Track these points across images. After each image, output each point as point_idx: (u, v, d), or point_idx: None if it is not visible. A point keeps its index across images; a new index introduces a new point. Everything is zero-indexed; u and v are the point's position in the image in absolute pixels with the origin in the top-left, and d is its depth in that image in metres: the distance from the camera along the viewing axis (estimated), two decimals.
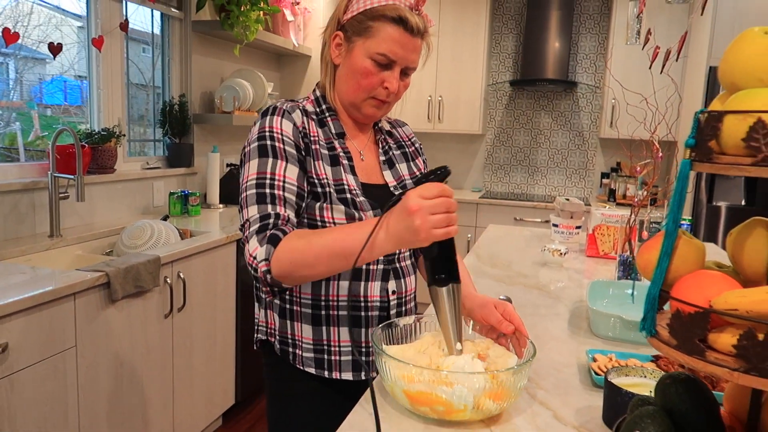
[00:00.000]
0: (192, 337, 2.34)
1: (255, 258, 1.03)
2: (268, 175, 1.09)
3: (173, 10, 3.09)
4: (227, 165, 3.48)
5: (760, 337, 0.59)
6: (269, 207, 1.06)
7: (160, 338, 2.14)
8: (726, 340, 0.62)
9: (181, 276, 2.22)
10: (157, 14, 3.06)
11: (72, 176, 2.23)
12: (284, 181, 1.09)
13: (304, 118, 1.18)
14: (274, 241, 1.02)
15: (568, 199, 2.68)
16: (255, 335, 1.29)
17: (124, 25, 2.69)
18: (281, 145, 1.12)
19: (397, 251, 1.22)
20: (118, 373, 1.94)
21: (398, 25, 1.12)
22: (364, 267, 1.19)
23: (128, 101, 2.90)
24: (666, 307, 0.75)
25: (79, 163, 2.14)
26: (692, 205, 3.56)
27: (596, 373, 1.11)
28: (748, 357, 0.59)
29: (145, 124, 3.11)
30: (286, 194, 1.09)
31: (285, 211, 1.07)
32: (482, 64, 4.36)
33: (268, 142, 1.12)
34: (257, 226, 1.05)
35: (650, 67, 1.69)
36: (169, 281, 2.15)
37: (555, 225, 2.57)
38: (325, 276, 1.03)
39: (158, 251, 2.16)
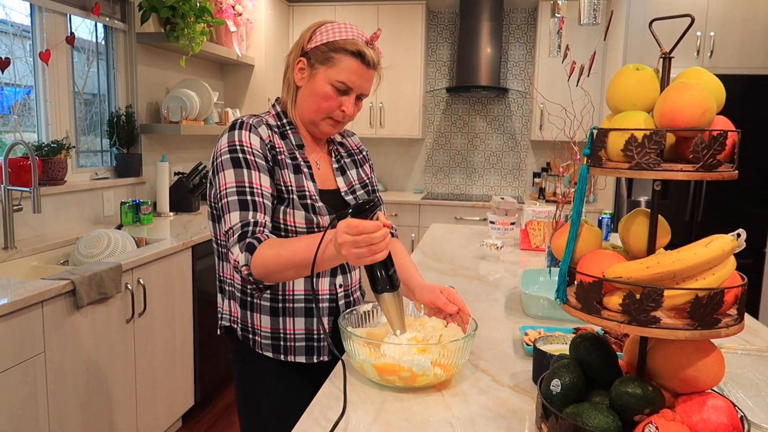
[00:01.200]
0: (153, 340, 2.42)
1: (238, 263, 1.19)
2: (247, 184, 1.23)
3: (117, 22, 3.14)
4: (175, 173, 3.53)
5: (638, 296, 0.79)
6: (250, 214, 1.21)
7: (123, 342, 2.22)
8: (615, 300, 0.82)
9: (141, 282, 2.30)
10: (100, 25, 3.09)
11: (25, 188, 2.27)
12: (261, 189, 1.25)
13: (269, 131, 1.32)
14: (251, 249, 1.18)
15: (503, 198, 2.92)
16: (219, 322, 1.43)
17: (71, 39, 2.73)
18: (252, 157, 1.26)
19: None
20: (85, 377, 2.01)
21: (356, 58, 1.29)
22: None
23: (75, 112, 2.92)
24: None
25: (34, 176, 2.19)
26: (614, 200, 3.91)
27: (527, 344, 1.32)
28: (630, 312, 0.80)
29: (81, 132, 3.13)
30: (264, 200, 1.24)
31: (264, 217, 1.22)
32: (420, 72, 4.58)
33: (240, 155, 1.26)
34: (239, 233, 1.20)
35: (568, 81, 1.93)
36: (130, 287, 2.22)
37: (492, 222, 2.80)
38: (295, 278, 1.19)
39: (116, 259, 2.23)
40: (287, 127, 1.37)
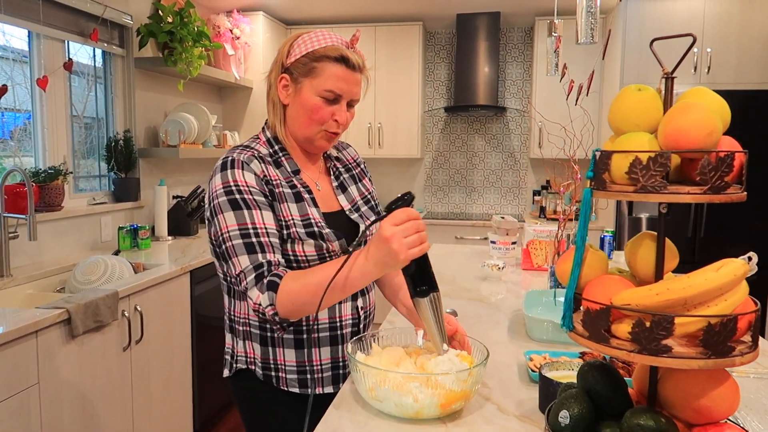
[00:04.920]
0: (150, 368, 2.38)
1: (260, 305, 1.13)
2: (250, 226, 1.18)
3: (115, 47, 3.14)
4: (174, 197, 3.52)
5: (647, 324, 0.76)
6: (260, 256, 1.16)
7: (120, 371, 2.17)
8: (623, 328, 0.79)
9: (138, 309, 2.26)
10: (98, 50, 3.10)
11: (21, 216, 2.24)
12: (266, 228, 1.19)
13: (262, 165, 1.26)
14: (273, 287, 1.13)
15: (503, 218, 2.90)
16: (233, 365, 1.35)
17: (69, 65, 2.73)
18: (250, 196, 1.20)
19: None
20: (80, 407, 1.96)
21: (340, 64, 1.25)
22: None
23: (73, 137, 2.92)
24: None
25: (30, 203, 2.16)
26: (615, 218, 3.88)
27: (532, 370, 1.28)
28: (640, 340, 0.77)
29: (79, 156, 3.12)
30: (271, 239, 1.19)
31: (274, 256, 1.17)
32: (418, 92, 4.59)
33: (237, 196, 1.20)
34: (253, 276, 1.15)
35: (567, 99, 1.92)
36: (126, 314, 2.19)
37: (493, 242, 2.77)
38: (325, 307, 1.16)
39: (113, 285, 2.20)
40: (280, 154, 1.32)
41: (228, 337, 1.38)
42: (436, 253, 2.92)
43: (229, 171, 1.22)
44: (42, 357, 1.78)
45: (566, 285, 0.90)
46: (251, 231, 1.18)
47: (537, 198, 4.66)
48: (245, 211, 1.19)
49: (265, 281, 1.14)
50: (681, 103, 0.79)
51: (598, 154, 0.84)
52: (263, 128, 1.37)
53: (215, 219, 1.22)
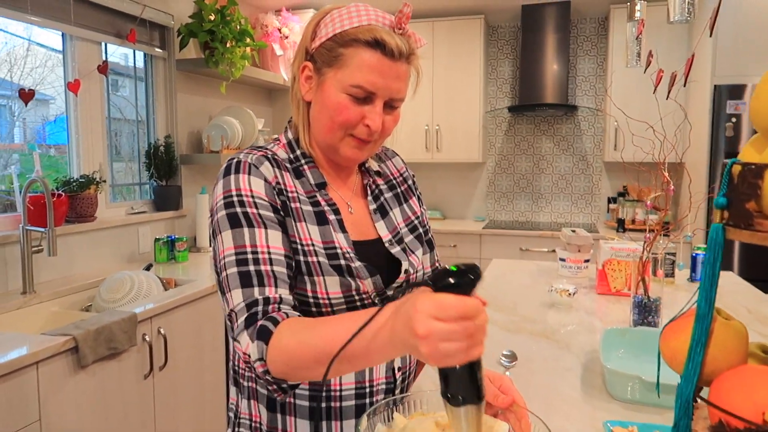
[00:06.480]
0: (177, 397, 2.18)
1: (249, 357, 0.85)
2: (249, 249, 0.92)
3: (156, 49, 3.00)
4: None
5: None
6: (256, 290, 0.89)
7: (140, 401, 1.98)
8: None
9: (162, 332, 2.06)
10: (139, 53, 2.97)
11: (41, 229, 2.10)
12: (269, 252, 0.92)
13: (276, 170, 1.00)
14: (265, 337, 0.84)
15: (574, 231, 2.53)
16: (235, 428, 1.09)
17: (103, 68, 2.59)
18: (254, 210, 0.94)
19: None
20: None
21: (375, 50, 0.95)
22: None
23: (111, 142, 2.79)
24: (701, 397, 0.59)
25: (50, 216, 2.01)
26: (705, 231, 3.39)
27: None
28: None
29: (124, 162, 2.99)
30: (275, 268, 0.91)
31: (275, 292, 0.90)
32: (479, 91, 4.25)
33: (238, 209, 0.94)
34: (244, 317, 0.88)
35: (654, 92, 1.56)
36: (147, 339, 1.99)
37: (562, 259, 2.42)
38: (332, 377, 0.87)
39: (138, 305, 2.01)
40: (303, 161, 1.05)
41: (232, 390, 1.11)
42: (497, 271, 2.58)
43: (232, 176, 0.97)
44: (44, 391, 1.60)
45: (679, 372, 0.58)
46: (249, 257, 0.91)
47: (612, 206, 4.21)
48: (245, 230, 0.92)
49: (258, 326, 0.85)
50: None
51: (737, 169, 0.52)
52: (285, 128, 1.10)
53: (215, 242, 0.97)
